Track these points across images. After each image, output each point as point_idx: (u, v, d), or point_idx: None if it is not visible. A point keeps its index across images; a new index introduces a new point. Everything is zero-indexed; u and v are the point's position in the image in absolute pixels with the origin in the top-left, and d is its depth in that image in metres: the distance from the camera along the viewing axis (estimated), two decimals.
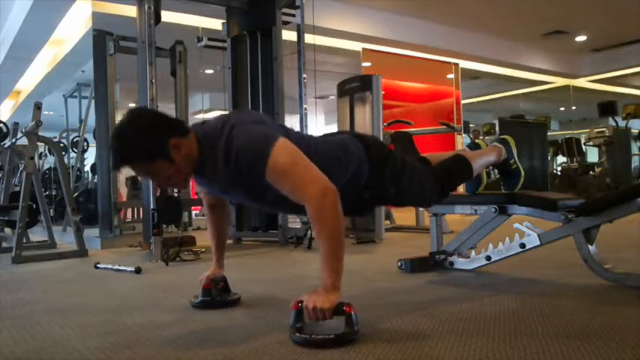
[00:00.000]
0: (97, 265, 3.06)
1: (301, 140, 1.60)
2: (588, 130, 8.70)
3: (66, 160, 5.78)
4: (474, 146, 2.27)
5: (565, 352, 1.24)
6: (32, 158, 3.70)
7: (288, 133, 1.59)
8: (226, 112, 1.69)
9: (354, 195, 1.51)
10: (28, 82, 9.53)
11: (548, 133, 8.42)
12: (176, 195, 3.68)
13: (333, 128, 5.39)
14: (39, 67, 8.56)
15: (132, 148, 1.50)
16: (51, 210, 5.44)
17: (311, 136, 1.79)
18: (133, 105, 6.37)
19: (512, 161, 2.21)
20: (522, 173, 2.21)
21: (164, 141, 1.49)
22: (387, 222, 4.87)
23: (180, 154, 1.52)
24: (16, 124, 4.40)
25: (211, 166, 1.55)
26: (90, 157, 7.50)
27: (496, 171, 2.34)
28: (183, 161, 1.53)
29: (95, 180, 6.29)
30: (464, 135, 8.41)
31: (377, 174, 1.71)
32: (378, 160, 1.72)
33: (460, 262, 2.48)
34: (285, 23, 4.21)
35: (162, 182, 1.58)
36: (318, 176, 1.46)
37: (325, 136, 1.87)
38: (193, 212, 5.89)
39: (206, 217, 1.99)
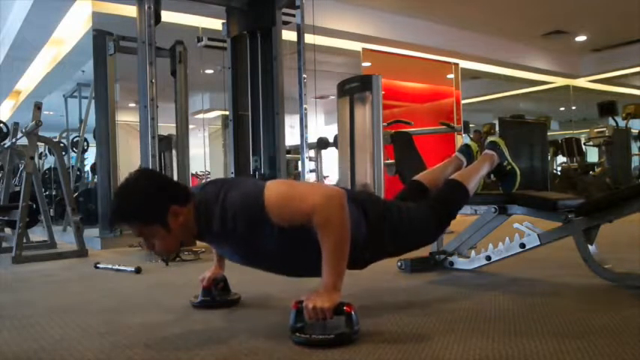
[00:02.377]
0: (97, 265, 3.06)
1: None
2: (588, 130, 8.71)
3: (66, 160, 5.78)
4: (465, 150, 2.26)
5: (565, 352, 1.24)
6: (32, 158, 3.70)
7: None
8: (220, 179, 1.68)
9: (354, 255, 1.50)
10: (28, 82, 9.52)
11: (548, 133, 8.41)
12: None
13: (333, 128, 5.38)
14: (39, 67, 8.56)
15: (131, 209, 1.51)
16: (51, 210, 5.44)
17: None
18: (133, 105, 6.37)
19: (505, 163, 2.20)
20: (518, 172, 2.20)
21: (164, 207, 1.49)
22: None
23: (178, 222, 1.51)
24: (16, 124, 4.40)
25: (208, 232, 1.53)
26: (90, 157, 7.50)
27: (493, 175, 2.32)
28: (178, 230, 1.52)
29: (95, 180, 6.29)
30: (464, 135, 8.41)
31: (376, 235, 1.67)
32: (374, 220, 1.68)
33: (460, 262, 2.48)
34: (285, 23, 4.21)
35: (152, 247, 1.56)
36: (318, 186, 1.47)
37: None
38: None
39: None
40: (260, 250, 1.54)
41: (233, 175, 4.16)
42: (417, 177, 2.12)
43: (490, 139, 2.28)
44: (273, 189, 1.47)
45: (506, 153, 2.21)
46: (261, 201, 1.43)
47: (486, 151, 2.21)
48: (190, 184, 5.66)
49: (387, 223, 1.70)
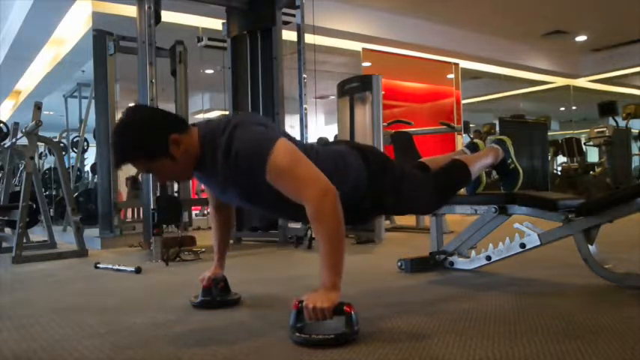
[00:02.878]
0: (97, 265, 3.06)
1: (300, 146, 1.60)
2: (588, 130, 8.70)
3: (66, 160, 5.78)
4: (472, 146, 2.27)
5: (565, 352, 1.24)
6: (32, 158, 3.70)
7: (289, 138, 1.60)
8: (231, 113, 1.70)
9: (354, 205, 1.51)
10: (28, 82, 9.53)
11: (549, 133, 8.42)
12: (176, 195, 3.68)
13: (333, 128, 5.39)
14: (39, 67, 8.56)
15: (133, 147, 1.51)
16: (51, 210, 5.44)
17: (310, 144, 1.79)
18: (132, 104, 6.37)
19: (509, 161, 2.21)
20: (521, 173, 2.21)
21: (164, 138, 1.50)
22: (387, 222, 4.87)
23: (180, 150, 1.52)
24: (16, 124, 4.40)
25: (211, 164, 1.55)
26: (90, 157, 7.50)
27: (495, 171, 2.33)
28: (183, 157, 1.54)
29: (95, 180, 6.29)
30: (464, 135, 8.41)
31: (376, 184, 1.70)
32: (376, 169, 1.71)
33: (460, 262, 2.48)
34: (285, 23, 4.21)
35: (163, 178, 1.59)
36: (317, 176, 1.46)
37: (323, 145, 1.87)
38: (193, 212, 5.89)
39: (211, 216, 1.99)
40: (254, 192, 1.56)
41: None
42: (422, 159, 2.15)
43: (497, 137, 2.29)
44: (280, 155, 1.45)
45: (512, 152, 2.22)
46: (265, 158, 1.44)
47: (492, 144, 2.23)
48: (190, 184, 5.66)
49: (388, 175, 1.73)
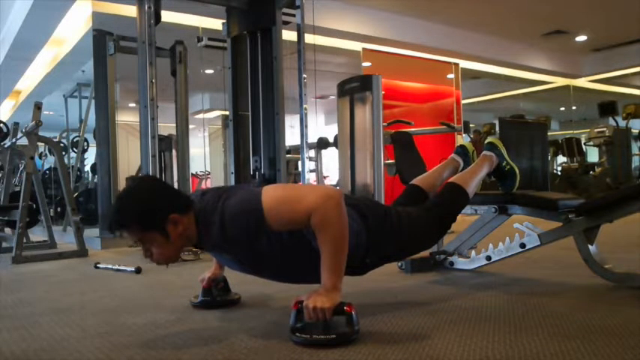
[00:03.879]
0: (97, 265, 3.06)
1: None
2: (588, 130, 8.71)
3: (66, 160, 5.78)
4: (460, 150, 2.26)
5: (565, 352, 1.24)
6: (32, 158, 3.70)
7: None
8: (219, 187, 1.67)
9: (355, 263, 1.50)
10: (28, 82, 9.52)
11: (549, 133, 8.42)
12: None
13: (333, 128, 5.38)
14: (39, 67, 8.56)
15: (131, 215, 1.49)
16: (51, 210, 5.44)
17: None
18: (133, 105, 6.37)
19: (504, 163, 2.20)
20: (517, 172, 2.20)
21: (164, 215, 1.48)
22: None
23: (177, 231, 1.50)
24: (16, 124, 4.40)
25: (208, 240, 1.53)
26: (90, 157, 7.50)
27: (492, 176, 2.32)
28: (178, 238, 1.51)
29: (95, 180, 6.29)
30: (464, 135, 8.41)
31: (376, 241, 1.67)
32: (375, 227, 1.67)
33: (460, 262, 2.48)
34: (285, 23, 4.21)
35: (149, 253, 1.54)
36: (314, 187, 1.46)
37: None
38: None
39: None
40: (259, 257, 1.54)
41: (233, 175, 4.16)
42: (414, 181, 2.12)
43: (488, 139, 2.27)
44: (270, 193, 1.46)
45: (505, 153, 2.20)
46: (259, 206, 1.43)
47: (484, 152, 2.21)
48: (190, 184, 5.66)
49: (387, 229, 1.69)
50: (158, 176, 3.78)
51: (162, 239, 1.49)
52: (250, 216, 1.44)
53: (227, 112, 4.44)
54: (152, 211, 1.49)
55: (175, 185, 4.79)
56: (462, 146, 2.27)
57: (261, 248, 1.49)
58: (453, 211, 1.94)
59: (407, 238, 1.76)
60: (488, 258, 2.31)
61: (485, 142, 2.26)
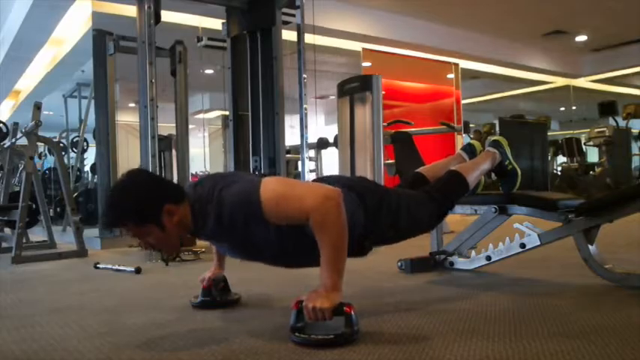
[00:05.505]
0: (97, 265, 3.06)
1: None
2: (588, 130, 8.70)
3: (66, 160, 5.78)
4: (469, 148, 2.26)
5: (565, 352, 1.24)
6: (32, 158, 3.70)
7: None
8: (215, 175, 1.67)
9: (352, 244, 1.50)
10: (28, 82, 9.53)
11: (549, 133, 8.42)
12: None
13: (333, 128, 5.38)
14: (39, 67, 8.56)
15: (125, 210, 1.49)
16: (51, 210, 5.44)
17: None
18: (133, 105, 6.37)
19: (507, 162, 2.20)
20: (519, 173, 2.20)
21: (158, 206, 1.48)
22: None
23: (173, 221, 1.50)
24: (15, 124, 4.40)
25: (205, 231, 1.53)
26: (90, 157, 7.50)
27: (494, 173, 2.33)
28: (174, 228, 1.51)
29: (95, 180, 6.29)
30: (464, 135, 8.41)
31: (374, 222, 1.67)
32: (372, 208, 1.68)
33: (460, 262, 2.47)
34: (285, 23, 4.21)
35: (149, 245, 1.56)
36: (314, 186, 1.47)
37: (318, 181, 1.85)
38: None
39: None
40: (257, 245, 1.54)
41: None
42: (419, 169, 2.13)
43: (493, 137, 2.27)
44: (270, 187, 1.46)
45: (509, 153, 2.21)
46: (257, 199, 1.43)
47: (488, 148, 2.22)
48: None
49: (384, 210, 1.70)
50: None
51: (158, 231, 1.50)
52: (248, 208, 1.44)
53: (227, 112, 4.44)
54: (146, 205, 1.49)
55: None
56: (471, 144, 2.27)
57: (258, 237, 1.49)
58: (451, 197, 1.95)
59: (405, 219, 1.76)
60: (488, 258, 2.31)
61: (492, 139, 2.26)
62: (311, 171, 5.84)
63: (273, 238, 1.50)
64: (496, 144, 2.21)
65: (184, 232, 1.56)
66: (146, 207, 1.49)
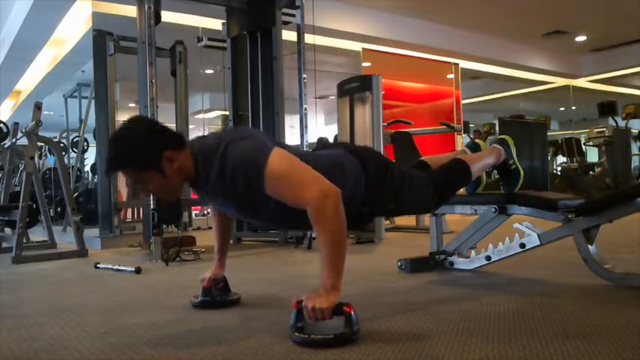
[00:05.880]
0: (97, 265, 3.06)
1: (295, 154, 1.59)
2: (588, 130, 8.70)
3: (66, 160, 5.78)
4: (473, 146, 2.27)
5: (565, 352, 1.24)
6: (32, 158, 3.70)
7: (282, 146, 1.59)
8: (223, 129, 1.69)
9: (352, 212, 1.50)
10: (28, 82, 9.53)
11: (548, 133, 8.42)
12: None
13: (333, 128, 5.39)
14: (39, 67, 8.56)
15: (125, 156, 1.50)
16: (51, 210, 5.44)
17: (305, 152, 1.78)
18: (133, 105, 6.37)
19: (511, 162, 2.20)
20: (522, 174, 2.20)
21: (158, 152, 1.49)
22: (387, 222, 4.87)
23: (173, 168, 1.51)
24: (16, 124, 4.40)
25: (205, 182, 1.54)
26: (90, 157, 7.50)
27: (496, 171, 2.33)
28: (175, 175, 1.52)
29: (95, 180, 6.29)
30: (464, 135, 8.41)
31: (375, 190, 1.68)
32: (376, 176, 1.68)
33: (460, 262, 2.48)
34: (285, 23, 4.21)
35: (149, 192, 1.57)
36: (317, 178, 1.46)
37: (320, 151, 1.86)
38: (193, 212, 5.89)
39: (212, 217, 1.99)
40: (253, 205, 1.55)
41: None
42: (424, 158, 2.14)
43: (500, 136, 2.28)
44: (277, 161, 1.45)
45: (514, 152, 2.21)
46: (261, 168, 1.43)
47: (494, 145, 2.23)
48: None
49: (387, 181, 1.71)
50: None
51: (159, 177, 1.51)
52: (251, 172, 1.44)
53: (227, 112, 4.44)
54: (146, 149, 1.50)
55: None
56: (476, 143, 2.28)
57: (256, 201, 1.50)
58: (453, 182, 1.96)
59: (407, 192, 1.77)
60: (488, 258, 2.31)
61: (498, 137, 2.27)
62: None
63: (271, 204, 1.50)
64: (502, 142, 2.22)
65: (184, 179, 1.56)
66: (146, 152, 1.49)
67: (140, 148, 1.50)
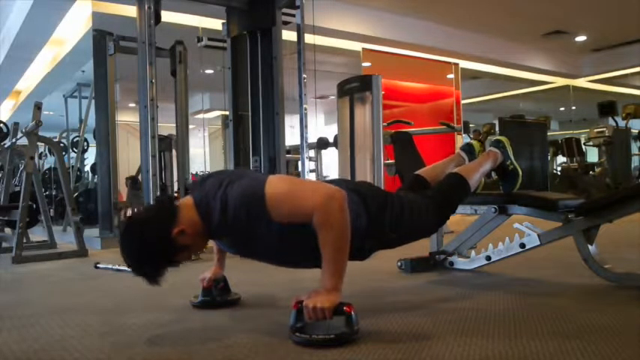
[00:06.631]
0: (97, 265, 3.06)
1: None
2: (588, 130, 8.70)
3: (66, 160, 5.78)
4: (467, 147, 2.27)
5: (565, 352, 1.24)
6: (32, 158, 3.70)
7: None
8: (221, 172, 1.69)
9: (355, 247, 1.51)
10: (28, 82, 9.52)
11: (548, 133, 8.42)
12: (176, 195, 3.68)
13: (333, 128, 5.38)
14: (39, 67, 8.56)
15: (146, 268, 1.55)
16: (51, 210, 5.44)
17: None
18: (133, 105, 6.36)
19: (508, 162, 2.20)
20: (520, 173, 2.20)
21: (169, 244, 1.50)
22: None
23: (187, 236, 1.51)
24: (16, 124, 4.40)
25: (210, 227, 1.54)
26: (90, 157, 7.50)
27: (495, 173, 2.33)
28: (194, 238, 1.54)
29: (95, 180, 6.30)
30: (464, 135, 8.41)
31: (377, 226, 1.67)
32: (376, 212, 1.68)
33: (460, 262, 2.48)
34: (285, 23, 4.20)
35: (187, 259, 1.61)
36: (320, 185, 1.47)
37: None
38: None
39: None
40: (258, 242, 1.55)
41: None
42: (418, 172, 2.13)
43: (495, 137, 2.27)
44: (274, 185, 1.47)
45: (510, 152, 2.20)
46: (261, 196, 1.44)
47: (490, 148, 2.22)
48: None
49: (387, 214, 1.70)
50: (157, 174, 3.75)
51: (183, 252, 1.55)
52: (252, 203, 1.45)
53: (227, 112, 4.44)
54: (161, 254, 1.52)
55: (175, 186, 4.79)
56: (470, 144, 2.27)
57: (260, 233, 1.50)
58: (453, 201, 1.95)
59: (407, 223, 1.76)
60: (488, 258, 2.31)
61: (494, 138, 2.26)
62: (311, 171, 5.84)
63: (274, 235, 1.50)
64: (498, 143, 2.21)
65: (202, 236, 1.57)
66: (162, 255, 1.52)
67: (156, 257, 1.52)
